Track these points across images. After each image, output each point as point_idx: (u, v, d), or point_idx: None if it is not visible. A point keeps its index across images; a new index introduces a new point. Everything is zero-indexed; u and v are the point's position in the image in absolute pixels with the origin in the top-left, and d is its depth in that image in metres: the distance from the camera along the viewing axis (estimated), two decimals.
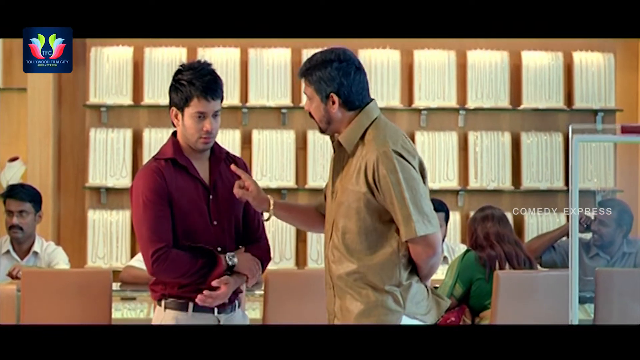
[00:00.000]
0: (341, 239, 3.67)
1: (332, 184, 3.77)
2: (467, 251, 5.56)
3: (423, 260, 3.63)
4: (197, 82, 3.80)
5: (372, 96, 3.78)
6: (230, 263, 3.85)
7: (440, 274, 5.70)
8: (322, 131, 3.75)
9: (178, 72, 3.88)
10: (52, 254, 6.06)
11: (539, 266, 5.85)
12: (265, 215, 3.87)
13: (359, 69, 3.70)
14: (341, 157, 3.74)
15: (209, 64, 3.90)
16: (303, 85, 3.75)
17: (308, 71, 3.71)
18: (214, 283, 3.84)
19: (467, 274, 5.46)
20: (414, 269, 3.67)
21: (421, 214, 3.57)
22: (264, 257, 3.98)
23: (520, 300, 5.22)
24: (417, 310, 3.67)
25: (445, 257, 6.32)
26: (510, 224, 5.65)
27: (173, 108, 3.88)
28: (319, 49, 3.76)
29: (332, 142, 3.79)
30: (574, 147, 4.24)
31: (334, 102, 3.67)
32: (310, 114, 3.76)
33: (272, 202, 3.84)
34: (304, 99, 3.79)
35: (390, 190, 3.57)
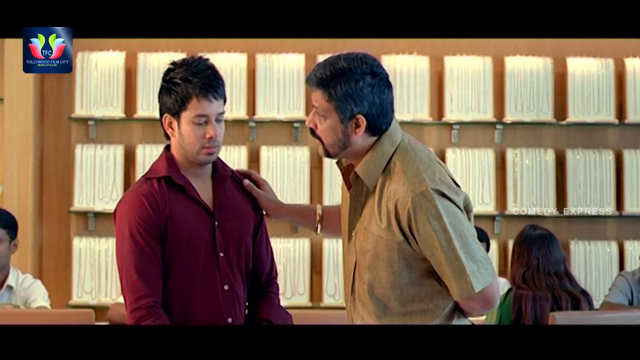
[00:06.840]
0: (368, 292, 3.25)
1: (348, 222, 3.33)
2: (509, 291, 5.26)
3: (477, 313, 3.27)
4: (195, 79, 3.47)
5: (395, 109, 3.34)
6: None
7: None
8: (329, 155, 3.26)
9: (169, 71, 3.54)
10: (29, 289, 5.74)
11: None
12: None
13: (389, 84, 3.23)
14: (358, 192, 3.28)
15: (206, 59, 3.54)
16: (316, 95, 3.22)
17: (331, 82, 3.16)
18: None
19: (510, 318, 5.19)
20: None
21: (475, 263, 3.14)
22: (278, 317, 3.62)
23: None
24: None
25: None
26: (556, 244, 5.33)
27: (166, 115, 3.55)
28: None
29: (341, 169, 3.35)
30: None
31: (358, 126, 3.18)
32: (312, 131, 3.25)
33: (319, 210, 3.53)
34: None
35: (433, 240, 3.12)
